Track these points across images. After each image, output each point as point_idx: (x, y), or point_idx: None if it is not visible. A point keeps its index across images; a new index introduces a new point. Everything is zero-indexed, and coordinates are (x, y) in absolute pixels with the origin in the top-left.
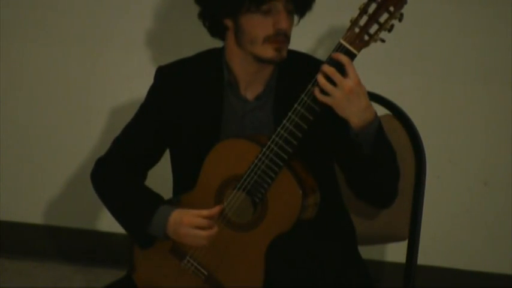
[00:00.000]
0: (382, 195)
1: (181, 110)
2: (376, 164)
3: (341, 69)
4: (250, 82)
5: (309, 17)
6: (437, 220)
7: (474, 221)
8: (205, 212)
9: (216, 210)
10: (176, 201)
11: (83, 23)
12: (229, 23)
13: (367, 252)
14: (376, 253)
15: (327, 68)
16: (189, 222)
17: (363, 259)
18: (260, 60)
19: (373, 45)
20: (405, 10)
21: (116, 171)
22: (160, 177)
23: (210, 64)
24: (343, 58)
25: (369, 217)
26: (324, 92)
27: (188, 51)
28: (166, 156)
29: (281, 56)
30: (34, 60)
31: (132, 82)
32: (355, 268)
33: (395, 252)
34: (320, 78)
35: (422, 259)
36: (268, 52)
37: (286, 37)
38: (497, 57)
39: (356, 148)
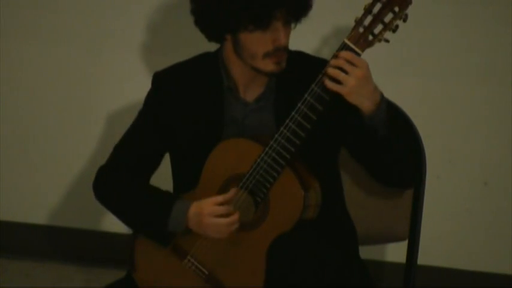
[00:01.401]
0: (401, 173)
1: (181, 115)
2: (394, 138)
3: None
4: (250, 85)
5: (314, 16)
6: (437, 220)
7: (474, 221)
8: (220, 198)
9: (231, 194)
10: None
11: (83, 23)
12: (227, 35)
13: (367, 252)
14: (376, 253)
15: (337, 61)
16: (210, 212)
17: (363, 260)
18: (260, 72)
19: (374, 45)
20: (407, 10)
21: (120, 179)
22: (160, 177)
23: (207, 69)
24: (346, 54)
25: (370, 217)
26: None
27: (188, 51)
28: (166, 156)
29: (281, 67)
30: (34, 60)
31: (133, 82)
32: (355, 269)
33: (395, 252)
34: (331, 70)
35: (422, 259)
36: (268, 66)
37: (285, 50)
38: (497, 57)
39: (371, 133)
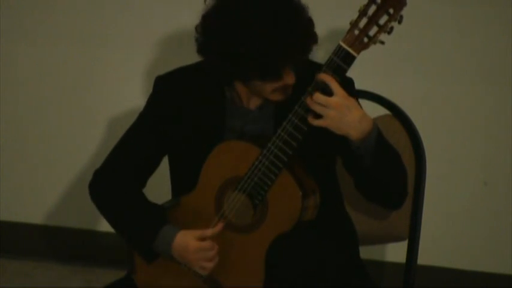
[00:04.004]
0: (390, 197)
1: (181, 120)
2: (380, 171)
3: (327, 89)
4: (252, 94)
5: None
6: (437, 220)
7: (474, 221)
8: (209, 232)
9: (219, 227)
10: (176, 203)
11: (82, 23)
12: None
13: (367, 252)
14: (376, 253)
15: (311, 95)
16: (196, 248)
17: (363, 261)
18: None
19: (374, 46)
20: (406, 10)
21: (115, 184)
22: (159, 177)
23: (209, 76)
24: (326, 77)
25: (370, 217)
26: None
27: (189, 53)
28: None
29: (288, 95)
30: (34, 61)
31: (132, 83)
32: (355, 269)
33: (395, 252)
34: (309, 102)
35: (422, 259)
36: (276, 97)
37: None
38: (497, 57)
39: (358, 160)
